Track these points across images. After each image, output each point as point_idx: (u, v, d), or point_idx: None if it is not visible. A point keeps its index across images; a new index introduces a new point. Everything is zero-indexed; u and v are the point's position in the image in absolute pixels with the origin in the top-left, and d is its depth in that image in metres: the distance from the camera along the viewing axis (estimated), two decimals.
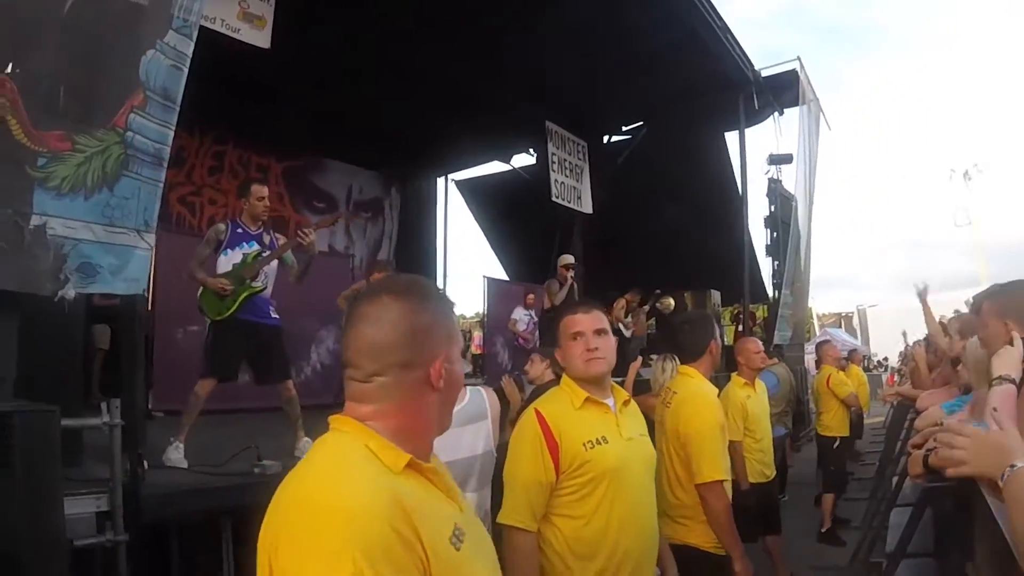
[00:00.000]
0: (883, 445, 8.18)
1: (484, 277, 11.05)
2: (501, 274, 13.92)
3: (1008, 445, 1.28)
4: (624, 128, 11.98)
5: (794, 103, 10.40)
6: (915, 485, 2.97)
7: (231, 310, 4.12)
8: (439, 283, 12.89)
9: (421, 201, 14.07)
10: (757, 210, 10.84)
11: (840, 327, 35.32)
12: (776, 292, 10.74)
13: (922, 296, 4.94)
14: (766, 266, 11.08)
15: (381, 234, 13.37)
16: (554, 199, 10.23)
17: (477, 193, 14.27)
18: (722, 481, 2.78)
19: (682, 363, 3.26)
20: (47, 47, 2.49)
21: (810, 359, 11.41)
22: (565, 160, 10.49)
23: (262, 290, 4.26)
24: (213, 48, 4.60)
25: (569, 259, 8.42)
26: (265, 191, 4.44)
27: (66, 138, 2.48)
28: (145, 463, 3.06)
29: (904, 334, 6.79)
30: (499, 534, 2.04)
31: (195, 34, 2.94)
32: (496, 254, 14.64)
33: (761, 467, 4.41)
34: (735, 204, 10.60)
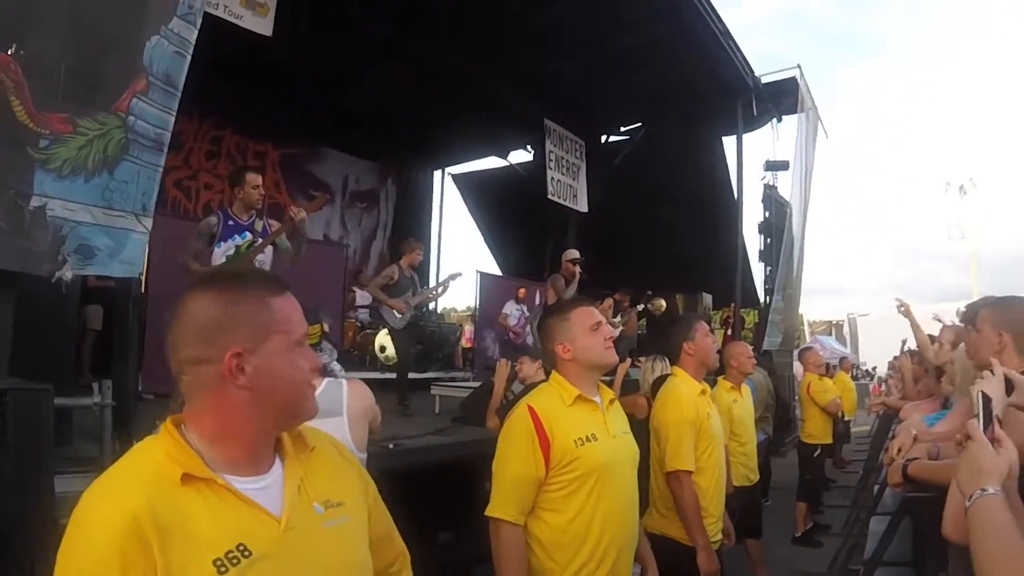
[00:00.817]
0: (867, 453, 8.27)
1: (477, 271, 11.07)
2: (495, 269, 13.94)
3: (984, 465, 1.26)
4: (622, 128, 12.01)
5: (793, 110, 10.43)
6: (895, 495, 3.02)
7: None
8: (432, 274, 12.92)
9: (417, 193, 14.09)
10: (752, 215, 10.90)
11: (831, 335, 35.48)
12: (768, 298, 10.80)
13: (905, 311, 4.95)
14: (758, 271, 11.16)
15: (376, 224, 13.38)
16: (550, 197, 10.26)
17: (473, 188, 14.29)
18: (687, 472, 2.92)
19: (672, 364, 3.40)
20: (52, 29, 2.50)
21: (799, 365, 11.45)
22: (562, 158, 10.52)
23: None
24: (215, 34, 4.60)
25: (575, 254, 7.99)
26: (259, 179, 4.43)
27: (68, 120, 2.49)
28: (135, 444, 3.07)
29: (904, 342, 6.81)
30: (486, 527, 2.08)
31: (199, 21, 2.95)
32: (490, 249, 14.67)
33: (746, 471, 4.44)
34: (730, 208, 10.64)
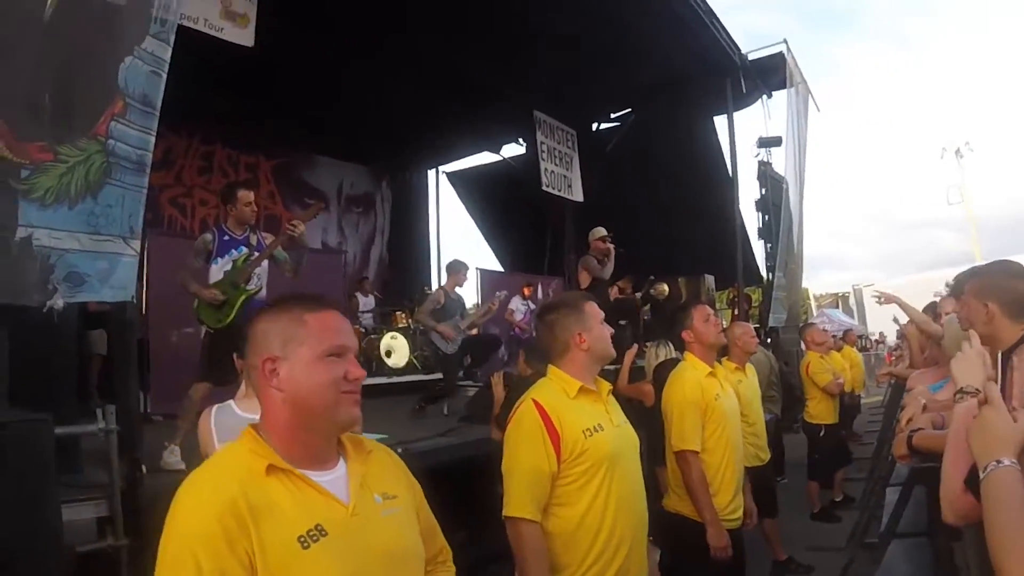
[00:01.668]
0: (881, 423, 8.22)
1: (477, 269, 11.04)
2: (496, 265, 13.92)
3: (1001, 432, 1.20)
4: (612, 115, 11.97)
5: (781, 86, 10.40)
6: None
7: (231, 317, 4.12)
8: (433, 275, 12.92)
9: (412, 194, 14.08)
10: (748, 193, 10.83)
11: (837, 307, 35.33)
12: (770, 275, 10.76)
13: (886, 300, 4.86)
14: (759, 249, 11.09)
15: (373, 229, 13.38)
16: (545, 188, 10.24)
17: (468, 184, 14.27)
18: (694, 452, 2.99)
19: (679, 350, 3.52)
20: (28, 57, 2.48)
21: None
22: (554, 149, 10.49)
23: (257, 292, 4.26)
24: (197, 48, 4.58)
25: (601, 231, 7.68)
26: (251, 196, 4.40)
27: (48, 148, 2.47)
28: (143, 467, 3.07)
29: (895, 319, 6.73)
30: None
31: (172, 38, 2.93)
32: (489, 245, 14.65)
33: (755, 450, 4.42)
34: (726, 187, 10.61)
